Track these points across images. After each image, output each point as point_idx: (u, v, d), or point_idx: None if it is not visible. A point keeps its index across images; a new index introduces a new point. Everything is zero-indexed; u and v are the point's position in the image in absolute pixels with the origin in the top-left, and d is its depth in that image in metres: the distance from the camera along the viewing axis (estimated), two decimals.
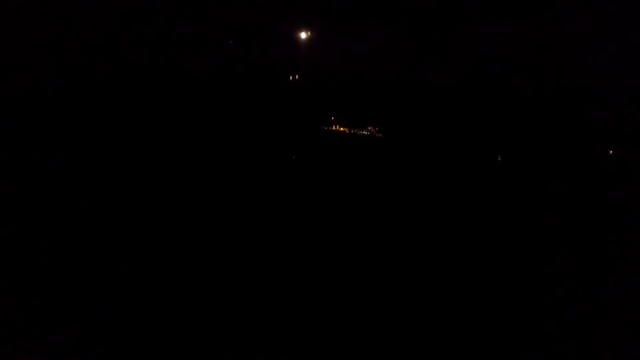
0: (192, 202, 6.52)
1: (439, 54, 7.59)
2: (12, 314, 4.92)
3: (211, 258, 6.04)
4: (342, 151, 7.87)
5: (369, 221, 6.77)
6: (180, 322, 5.28)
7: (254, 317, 5.46)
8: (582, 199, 6.83)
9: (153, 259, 5.86)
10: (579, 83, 7.22)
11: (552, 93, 7.36)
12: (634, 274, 6.09)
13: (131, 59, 7.16)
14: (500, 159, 7.47)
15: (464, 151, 7.60)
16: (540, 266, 6.27)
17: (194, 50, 7.48)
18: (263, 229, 6.47)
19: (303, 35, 7.74)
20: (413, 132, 7.87)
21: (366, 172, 7.50)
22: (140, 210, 6.26)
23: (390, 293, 5.92)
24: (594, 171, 7.18)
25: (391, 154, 7.83)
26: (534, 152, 7.41)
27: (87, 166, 6.50)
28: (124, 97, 7.09)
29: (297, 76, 8.07)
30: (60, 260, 5.58)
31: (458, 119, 7.70)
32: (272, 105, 7.85)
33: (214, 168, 6.98)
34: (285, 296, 5.73)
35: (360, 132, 7.99)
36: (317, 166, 7.60)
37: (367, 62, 7.83)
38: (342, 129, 8.06)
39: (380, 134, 7.97)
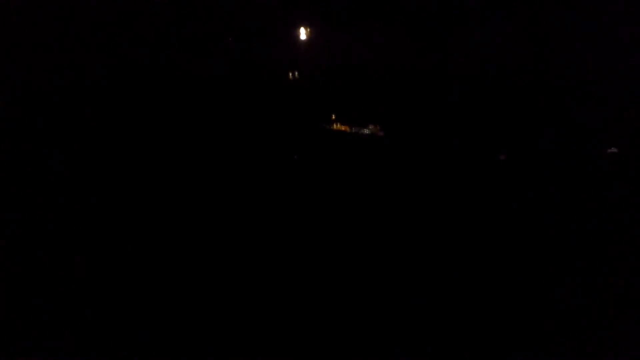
0: (191, 201, 6.53)
1: (440, 53, 7.57)
2: (12, 314, 4.95)
3: (211, 258, 6.06)
4: (343, 150, 7.86)
5: (370, 220, 6.76)
6: (181, 322, 5.30)
7: (254, 317, 5.48)
8: (582, 199, 6.81)
9: (153, 259, 5.88)
10: (579, 83, 7.20)
11: (552, 93, 7.33)
12: (634, 274, 6.08)
13: (130, 59, 7.16)
14: (502, 158, 7.45)
15: (465, 149, 7.58)
16: (540, 266, 6.26)
17: (193, 49, 7.48)
18: (263, 228, 6.48)
19: (303, 33, 7.72)
20: (415, 130, 7.85)
21: (367, 170, 7.49)
22: (140, 210, 6.28)
23: (391, 292, 5.93)
24: (594, 171, 7.16)
25: (393, 153, 7.82)
26: (534, 152, 7.39)
27: (87, 166, 6.51)
28: (123, 96, 7.09)
29: (297, 74, 8.05)
30: (60, 260, 5.61)
31: (459, 118, 7.68)
32: (272, 104, 7.84)
33: (214, 167, 6.98)
34: (286, 296, 5.75)
35: (361, 130, 7.98)
36: (318, 165, 7.59)
37: (368, 60, 7.81)
38: (342, 127, 8.04)
39: (381, 133, 7.95)
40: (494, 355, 5.37)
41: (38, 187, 6.11)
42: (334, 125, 8.05)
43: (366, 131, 7.95)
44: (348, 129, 8.03)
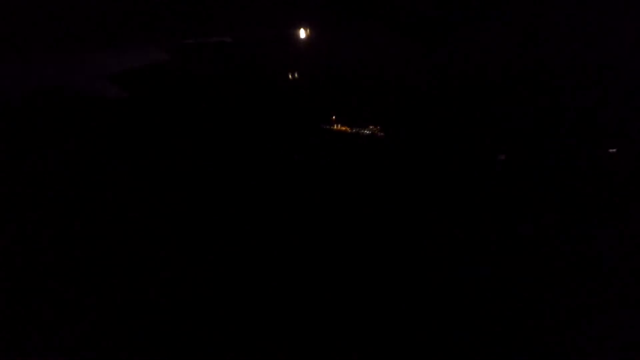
0: (191, 201, 6.54)
1: (440, 53, 7.57)
2: (12, 314, 4.95)
3: (212, 258, 6.06)
4: (343, 150, 7.86)
5: (370, 221, 6.77)
6: (180, 322, 5.31)
7: (254, 317, 5.48)
8: (582, 199, 6.83)
9: (153, 259, 5.89)
10: (579, 83, 7.21)
11: (552, 93, 7.34)
12: (634, 274, 6.09)
13: (130, 59, 7.17)
14: (502, 158, 7.46)
15: (466, 150, 7.59)
16: (540, 266, 6.28)
17: (193, 49, 7.48)
18: (263, 228, 6.48)
19: (303, 33, 7.72)
20: (415, 131, 7.86)
21: (367, 171, 7.50)
22: (140, 210, 6.28)
23: (391, 293, 5.94)
24: (594, 171, 7.17)
25: (393, 153, 7.82)
26: (534, 152, 7.40)
27: (87, 166, 6.51)
28: (123, 96, 7.10)
29: (297, 75, 8.05)
30: (60, 260, 5.60)
31: (460, 118, 7.69)
32: (272, 104, 7.84)
33: (213, 167, 6.99)
34: (286, 296, 5.75)
35: (362, 131, 7.98)
36: (318, 165, 7.60)
37: (368, 60, 7.81)
38: (343, 128, 8.04)
39: (381, 133, 7.95)
40: (493, 355, 5.38)
41: (38, 187, 6.11)
42: (334, 126, 8.05)
43: (366, 132, 7.95)
44: (348, 130, 8.03)
